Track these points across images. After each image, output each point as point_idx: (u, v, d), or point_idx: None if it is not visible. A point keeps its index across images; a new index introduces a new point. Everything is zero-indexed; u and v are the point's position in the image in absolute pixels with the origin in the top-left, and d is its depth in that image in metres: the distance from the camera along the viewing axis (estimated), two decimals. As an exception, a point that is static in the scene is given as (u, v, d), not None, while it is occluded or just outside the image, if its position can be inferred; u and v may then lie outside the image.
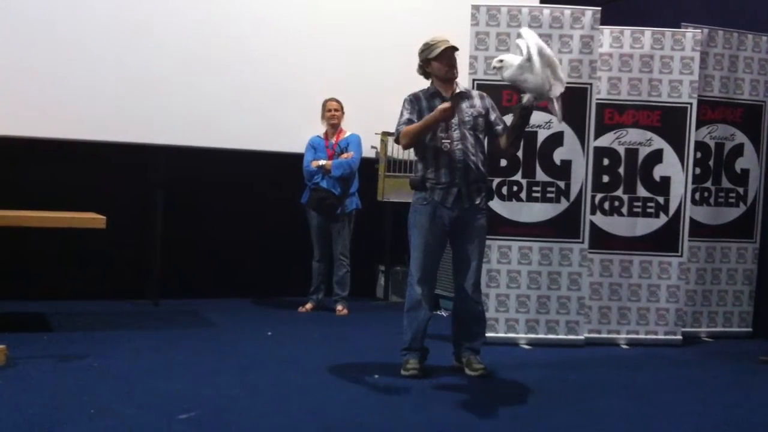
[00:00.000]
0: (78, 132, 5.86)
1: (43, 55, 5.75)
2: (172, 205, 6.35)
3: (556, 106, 4.07)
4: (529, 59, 3.94)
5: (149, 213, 6.39)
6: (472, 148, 4.26)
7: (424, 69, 4.37)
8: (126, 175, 6.36)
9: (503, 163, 5.26)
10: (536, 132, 5.26)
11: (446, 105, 4.11)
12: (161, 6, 6.12)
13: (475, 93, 4.47)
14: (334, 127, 6.28)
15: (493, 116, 4.37)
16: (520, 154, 5.23)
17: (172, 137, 6.13)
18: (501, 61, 4.09)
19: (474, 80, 5.22)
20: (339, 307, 6.29)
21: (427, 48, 4.30)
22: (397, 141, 4.37)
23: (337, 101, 6.27)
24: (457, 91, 4.36)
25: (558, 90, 4.03)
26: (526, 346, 5.24)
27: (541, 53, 3.95)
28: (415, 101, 4.33)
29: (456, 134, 4.25)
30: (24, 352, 4.36)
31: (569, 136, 5.27)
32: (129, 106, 6.00)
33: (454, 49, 4.29)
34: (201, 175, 6.55)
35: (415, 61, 4.39)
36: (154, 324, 5.63)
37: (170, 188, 6.33)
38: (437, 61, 4.28)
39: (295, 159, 6.29)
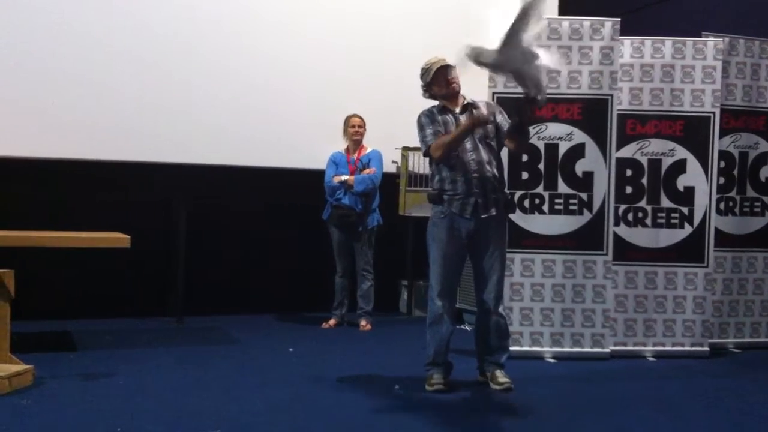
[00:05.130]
0: (102, 152, 5.93)
1: (69, 77, 5.85)
2: (194, 222, 6.39)
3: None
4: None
5: (172, 231, 6.43)
6: (486, 157, 4.27)
7: (429, 92, 4.45)
8: (150, 194, 6.42)
9: (525, 176, 5.24)
10: (557, 144, 5.24)
11: (480, 114, 4.15)
12: (187, 28, 6.21)
13: (481, 102, 4.48)
14: (357, 143, 6.30)
15: (499, 118, 4.39)
16: (541, 166, 5.23)
17: (195, 156, 6.18)
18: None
19: (494, 93, 5.19)
20: (362, 323, 6.28)
21: (424, 73, 4.40)
22: (426, 154, 4.36)
23: (360, 117, 6.30)
24: (465, 102, 4.42)
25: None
26: (551, 360, 5.20)
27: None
28: (431, 115, 4.38)
29: (469, 145, 4.26)
30: (50, 371, 4.39)
31: (591, 147, 5.24)
32: (152, 126, 6.07)
33: (448, 66, 4.32)
34: (222, 192, 6.58)
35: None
36: (178, 341, 5.65)
37: (192, 205, 6.37)
38: (435, 83, 4.37)
39: (317, 175, 6.31)
